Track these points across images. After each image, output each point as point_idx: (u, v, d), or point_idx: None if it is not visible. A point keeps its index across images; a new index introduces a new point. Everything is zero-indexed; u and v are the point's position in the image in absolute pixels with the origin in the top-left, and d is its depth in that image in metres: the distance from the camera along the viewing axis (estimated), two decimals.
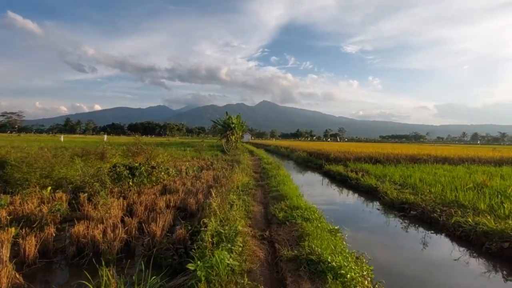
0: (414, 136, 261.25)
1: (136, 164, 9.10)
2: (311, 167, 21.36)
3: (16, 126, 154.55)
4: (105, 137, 54.27)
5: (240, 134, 36.98)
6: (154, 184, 9.14)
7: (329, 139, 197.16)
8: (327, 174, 16.76)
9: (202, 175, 11.82)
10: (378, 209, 8.85)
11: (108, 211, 5.76)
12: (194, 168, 13.82)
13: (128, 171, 8.71)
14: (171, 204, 7.53)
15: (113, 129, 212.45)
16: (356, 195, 11.25)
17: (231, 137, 35.06)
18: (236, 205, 6.31)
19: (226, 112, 36.55)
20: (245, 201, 7.46)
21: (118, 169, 8.57)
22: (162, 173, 9.64)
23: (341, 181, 14.00)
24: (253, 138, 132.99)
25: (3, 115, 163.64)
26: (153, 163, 10.09)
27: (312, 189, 11.93)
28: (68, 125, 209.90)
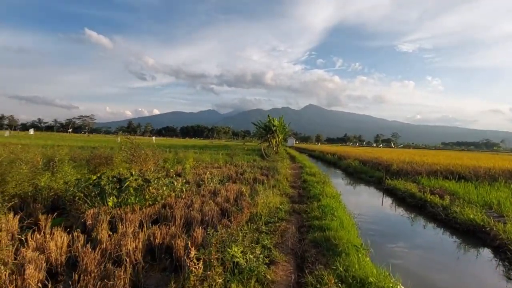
0: (486, 144, 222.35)
1: (128, 175, 6.83)
2: (365, 180, 17.19)
3: (87, 128, 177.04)
4: (154, 138, 56.52)
5: (282, 137, 34.01)
6: (150, 203, 6.73)
7: (381, 145, 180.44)
8: (390, 193, 12.65)
9: (223, 190, 9.14)
10: None
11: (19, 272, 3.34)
12: (218, 178, 11.28)
13: (115, 185, 6.47)
14: (156, 242, 4.94)
15: (167, 131, 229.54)
16: (447, 235, 7.26)
17: (272, 140, 32.40)
18: (242, 268, 3.37)
19: (268, 115, 34.07)
20: (264, 248, 4.47)
21: (101, 182, 6.37)
22: (164, 187, 7.19)
23: (415, 206, 9.92)
24: (297, 142, 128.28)
25: (79, 118, 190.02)
26: (154, 173, 7.74)
27: (374, 221, 8.30)
28: (130, 127, 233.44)
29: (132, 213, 6.00)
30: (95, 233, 4.87)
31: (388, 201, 11.42)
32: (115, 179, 6.72)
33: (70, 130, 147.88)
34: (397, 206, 10.45)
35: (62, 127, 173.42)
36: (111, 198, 6.07)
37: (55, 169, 8.19)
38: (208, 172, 11.52)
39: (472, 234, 6.94)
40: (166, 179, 7.86)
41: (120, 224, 5.38)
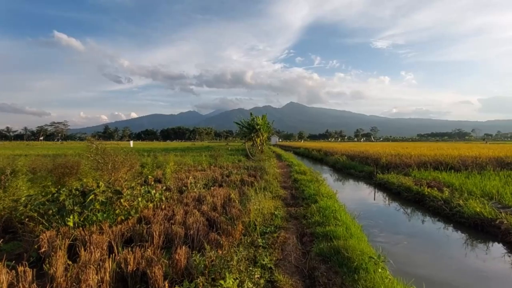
0: (458, 134, 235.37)
1: (95, 186, 5.73)
2: (354, 176, 16.82)
3: (59, 135, 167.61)
4: (131, 142, 53.85)
5: (266, 136, 33.37)
6: (122, 218, 5.68)
7: (362, 139, 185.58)
8: (383, 187, 12.25)
9: (208, 195, 8.21)
10: None
11: None
12: (203, 182, 10.31)
13: (78, 199, 5.37)
14: (129, 269, 3.98)
15: (147, 135, 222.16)
16: (456, 231, 6.77)
17: (256, 139, 31.63)
18: None
19: (251, 113, 33.32)
20: (264, 269, 3.65)
21: (60, 196, 5.25)
22: (139, 198, 6.17)
23: (412, 200, 9.50)
24: (280, 140, 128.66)
25: (51, 125, 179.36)
26: (128, 183, 6.67)
27: (373, 218, 7.71)
28: (106, 132, 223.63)
29: (99, 234, 4.93)
30: (47, 265, 3.82)
31: (383, 196, 10.97)
32: (77, 192, 5.61)
33: (41, 138, 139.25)
34: (394, 201, 9.99)
35: (33, 135, 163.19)
36: (71, 216, 4.97)
37: (7, 184, 6.89)
38: (191, 176, 10.52)
39: (480, 229, 6.50)
40: (142, 187, 6.81)
41: (83, 249, 4.34)
